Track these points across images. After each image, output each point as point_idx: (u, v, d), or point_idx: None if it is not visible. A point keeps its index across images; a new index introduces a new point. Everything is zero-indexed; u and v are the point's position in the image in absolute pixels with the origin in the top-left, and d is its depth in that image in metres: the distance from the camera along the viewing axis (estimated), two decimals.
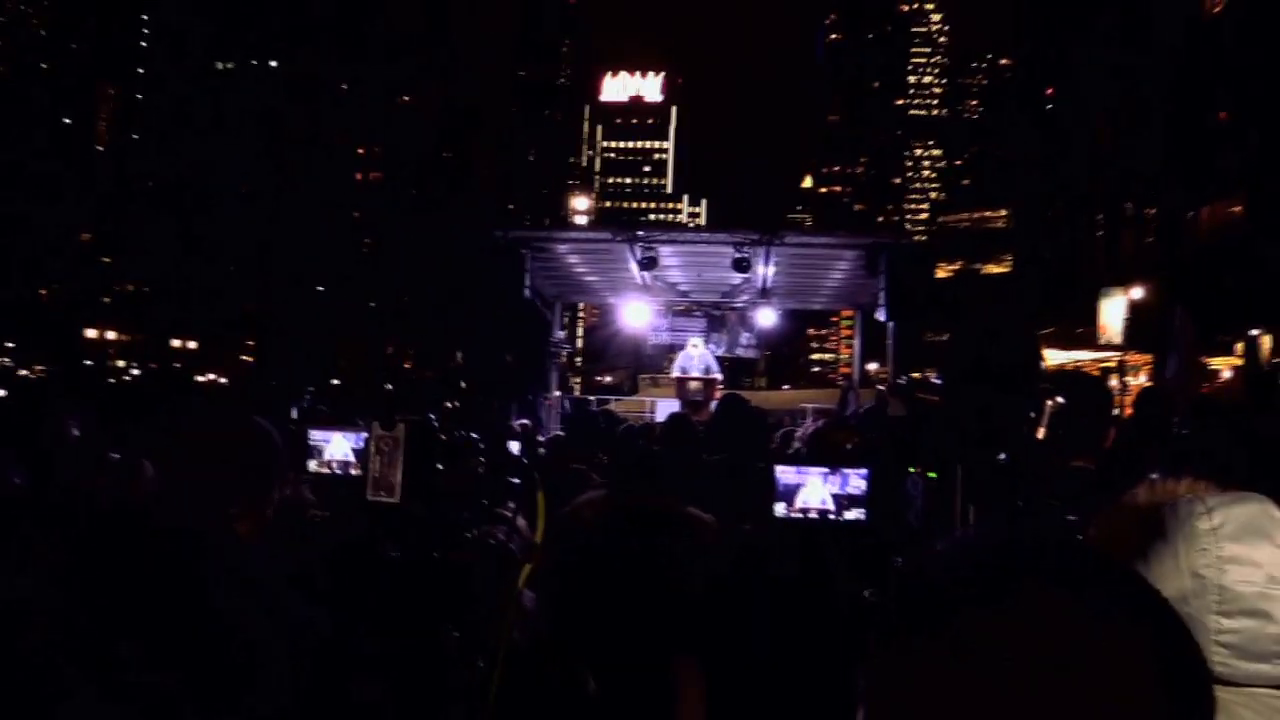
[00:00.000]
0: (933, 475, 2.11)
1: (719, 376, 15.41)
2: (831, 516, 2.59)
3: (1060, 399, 2.70)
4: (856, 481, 2.59)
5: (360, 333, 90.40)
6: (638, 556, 2.63)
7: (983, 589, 0.62)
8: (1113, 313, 30.81)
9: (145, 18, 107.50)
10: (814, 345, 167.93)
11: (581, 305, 42.65)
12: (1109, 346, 30.50)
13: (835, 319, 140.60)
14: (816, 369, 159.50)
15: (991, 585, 0.63)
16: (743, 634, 2.29)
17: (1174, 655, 0.61)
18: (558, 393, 16.94)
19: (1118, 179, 37.78)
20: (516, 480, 1.89)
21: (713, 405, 11.13)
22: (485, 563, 1.82)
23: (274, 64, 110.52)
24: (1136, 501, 1.49)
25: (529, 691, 1.94)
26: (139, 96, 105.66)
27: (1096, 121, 40.22)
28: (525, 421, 10.65)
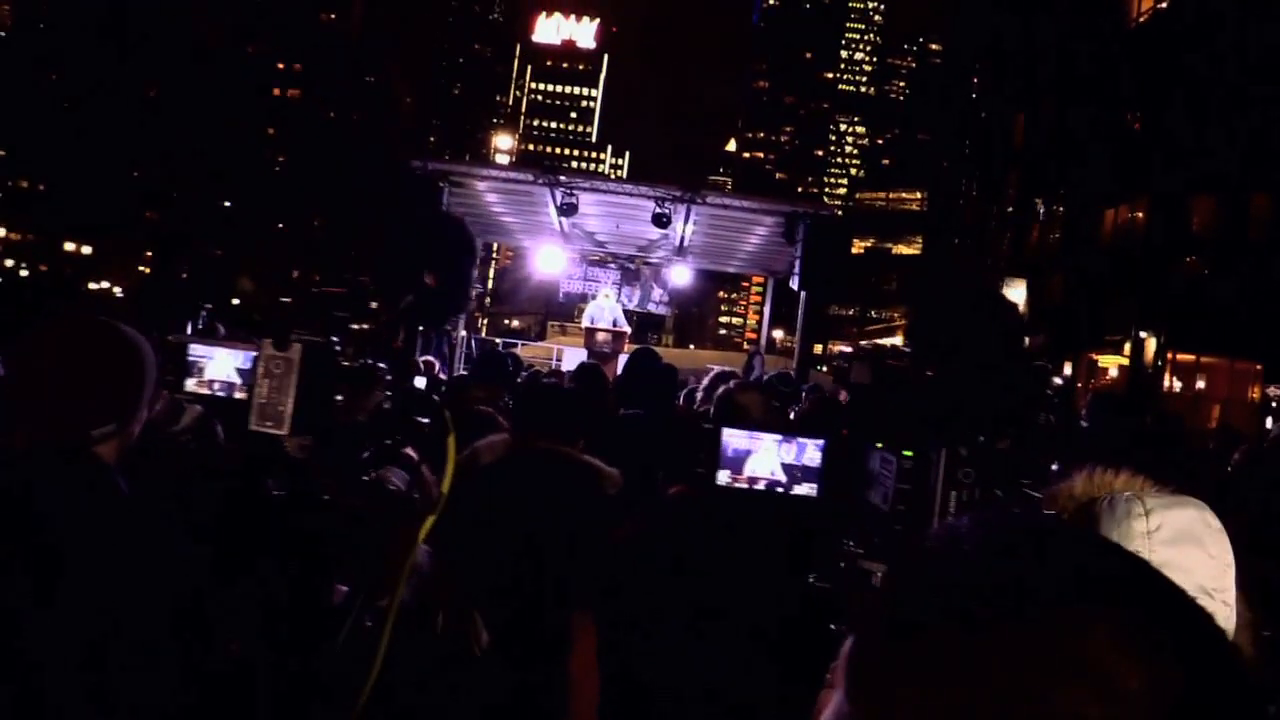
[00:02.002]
0: (908, 454, 2.01)
1: (627, 330, 15.38)
2: (780, 489, 2.42)
3: (1058, 380, 2.66)
4: (812, 452, 2.41)
5: (266, 252, 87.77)
6: (534, 503, 2.56)
7: (1036, 607, 0.55)
8: (1014, 301, 31.73)
9: None
10: (724, 308, 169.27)
11: (496, 246, 42.15)
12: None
13: (746, 284, 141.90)
14: (724, 332, 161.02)
15: (1046, 602, 0.55)
16: (655, 596, 2.23)
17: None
18: (464, 332, 16.70)
19: (1030, 176, 38.73)
20: (425, 420, 1.71)
21: (621, 359, 11.08)
22: (382, 510, 1.67)
23: None
24: (1073, 490, 1.47)
25: (416, 646, 1.84)
26: None
27: (1015, 114, 41.08)
28: (430, 359, 10.45)
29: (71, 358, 1.68)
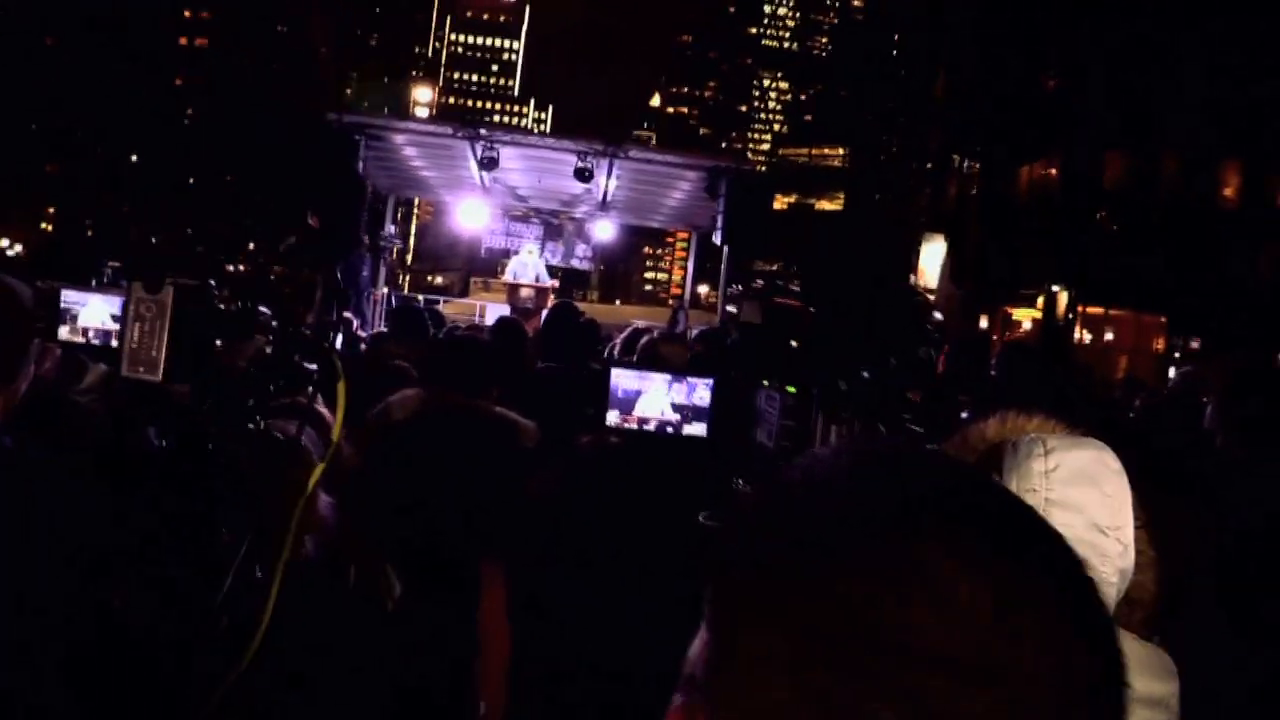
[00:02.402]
0: (791, 390, 2.03)
1: (550, 285, 15.29)
2: (670, 430, 2.42)
3: (939, 316, 2.70)
4: (702, 392, 2.41)
5: (173, 207, 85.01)
6: (447, 458, 2.52)
7: (878, 526, 0.56)
8: (931, 258, 32.31)
9: None
10: (649, 264, 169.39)
11: (417, 201, 41.51)
12: (926, 290, 32.00)
13: (671, 239, 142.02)
14: (649, 287, 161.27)
15: (889, 522, 0.56)
16: (563, 545, 2.21)
17: (1094, 633, 0.57)
18: (385, 289, 16.43)
19: (949, 132, 39.28)
20: (312, 366, 1.64)
21: (544, 314, 11.02)
22: (269, 458, 1.61)
23: None
24: (985, 434, 1.49)
25: (323, 599, 1.80)
26: None
27: (934, 71, 41.55)
28: (348, 315, 10.25)
29: None
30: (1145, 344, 29.23)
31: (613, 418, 2.40)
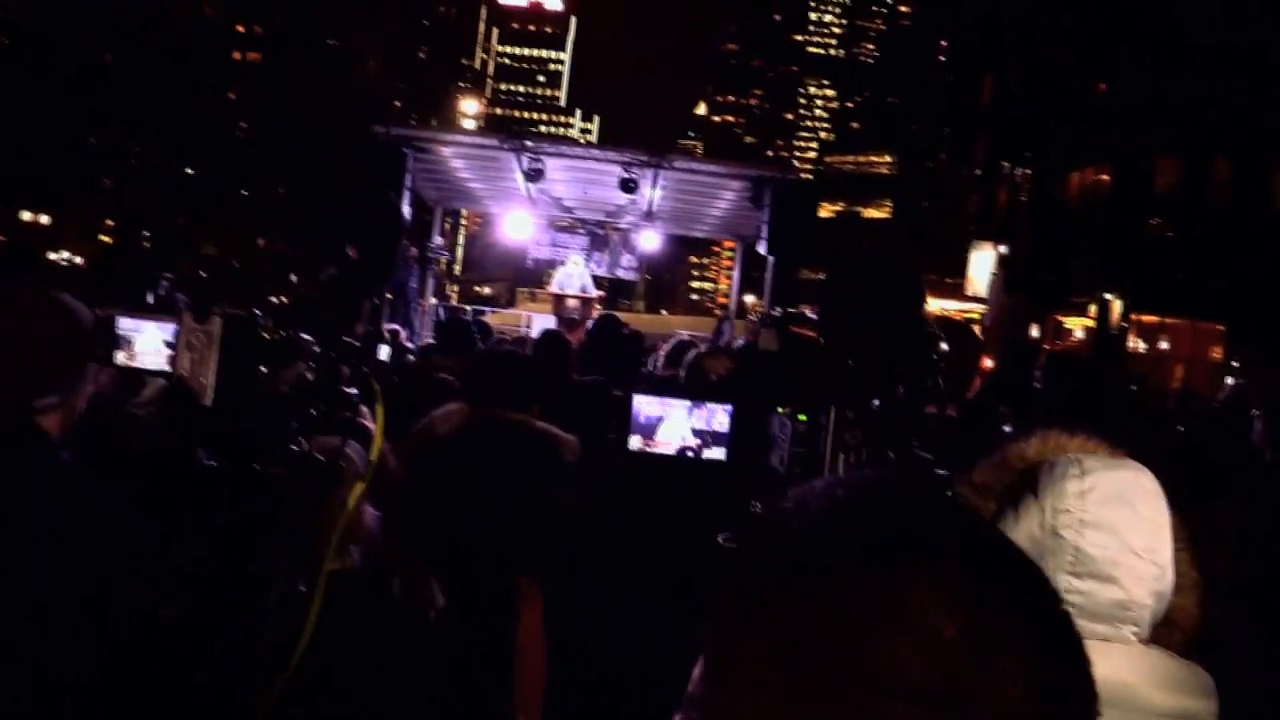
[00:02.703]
0: (803, 418, 2.07)
1: (596, 295, 15.36)
2: (691, 454, 2.47)
3: (945, 346, 2.71)
4: (721, 418, 2.46)
5: (230, 220, 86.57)
6: (489, 471, 2.55)
7: (864, 562, 0.59)
8: (981, 266, 31.94)
9: None
10: (695, 273, 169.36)
11: (464, 212, 41.85)
12: (975, 298, 31.66)
13: (718, 248, 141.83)
14: (695, 297, 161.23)
15: (875, 558, 0.58)
16: (590, 562, 2.24)
17: (1061, 660, 0.59)
18: (433, 300, 16.61)
19: (998, 138, 38.86)
20: (354, 390, 1.71)
21: (589, 324, 11.07)
22: (310, 477, 1.67)
23: None
24: (1025, 453, 1.49)
25: (367, 609, 1.84)
26: None
27: (983, 78, 41.15)
28: (395, 327, 10.39)
29: (10, 330, 1.65)
30: (1202, 353, 28.62)
31: (635, 442, 2.44)
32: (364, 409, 1.81)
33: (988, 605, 0.57)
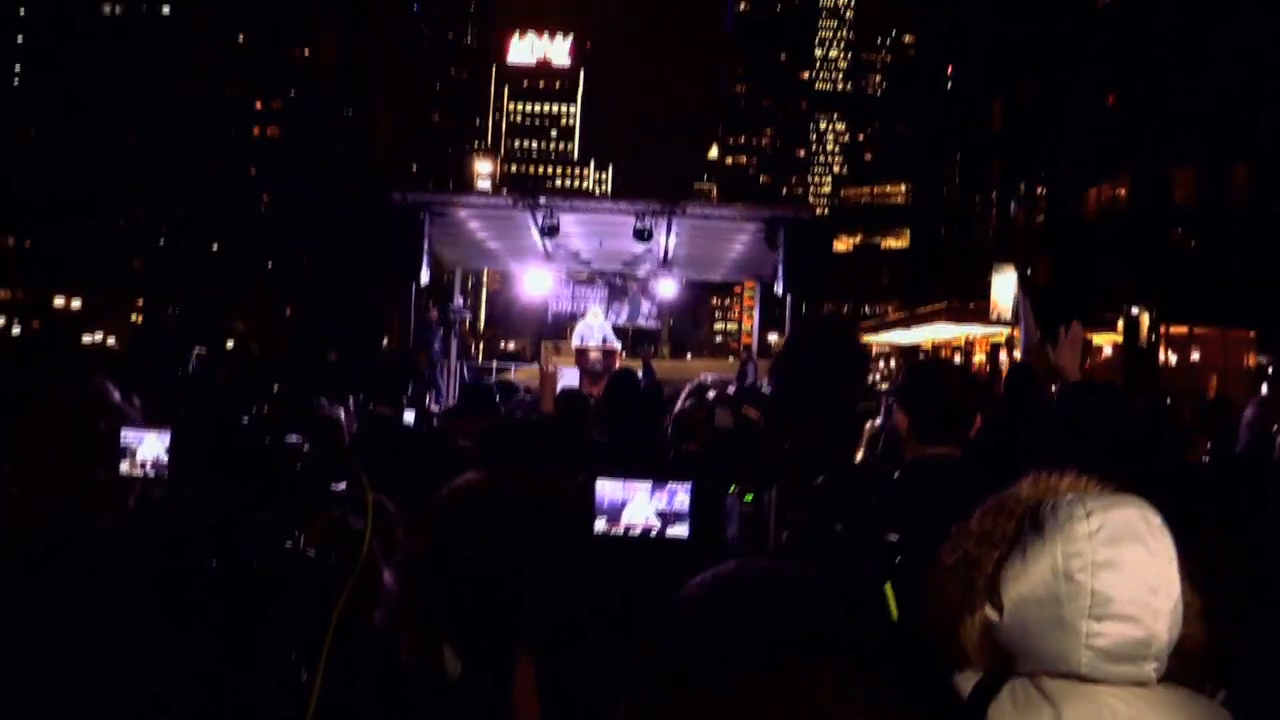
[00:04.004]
0: (749, 498, 2.10)
1: (618, 346, 15.42)
2: (653, 535, 2.52)
3: (877, 421, 2.72)
4: (681, 496, 2.51)
5: (257, 294, 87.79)
6: (504, 537, 2.58)
7: (771, 661, 0.61)
8: (1003, 288, 31.75)
9: None
10: (717, 315, 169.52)
11: (485, 271, 42.16)
12: (999, 321, 31.46)
13: (738, 289, 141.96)
14: (720, 339, 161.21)
15: (753, 661, 0.61)
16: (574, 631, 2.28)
17: None
18: (457, 360, 16.74)
19: (1011, 160, 38.87)
20: (342, 486, 1.76)
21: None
22: (303, 574, 1.71)
23: (166, 11, 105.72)
24: (1019, 495, 1.50)
25: (381, 671, 1.87)
26: (18, 39, 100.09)
27: (991, 100, 41.24)
28: (420, 391, 10.49)
29: (54, 418, 1.73)
30: (1235, 361, 28.24)
31: (600, 524, 2.49)
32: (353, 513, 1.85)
33: (876, 689, 0.60)
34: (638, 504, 2.48)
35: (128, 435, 2.02)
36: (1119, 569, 1.33)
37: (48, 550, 1.60)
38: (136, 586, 1.62)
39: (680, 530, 2.49)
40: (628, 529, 2.48)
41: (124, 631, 1.57)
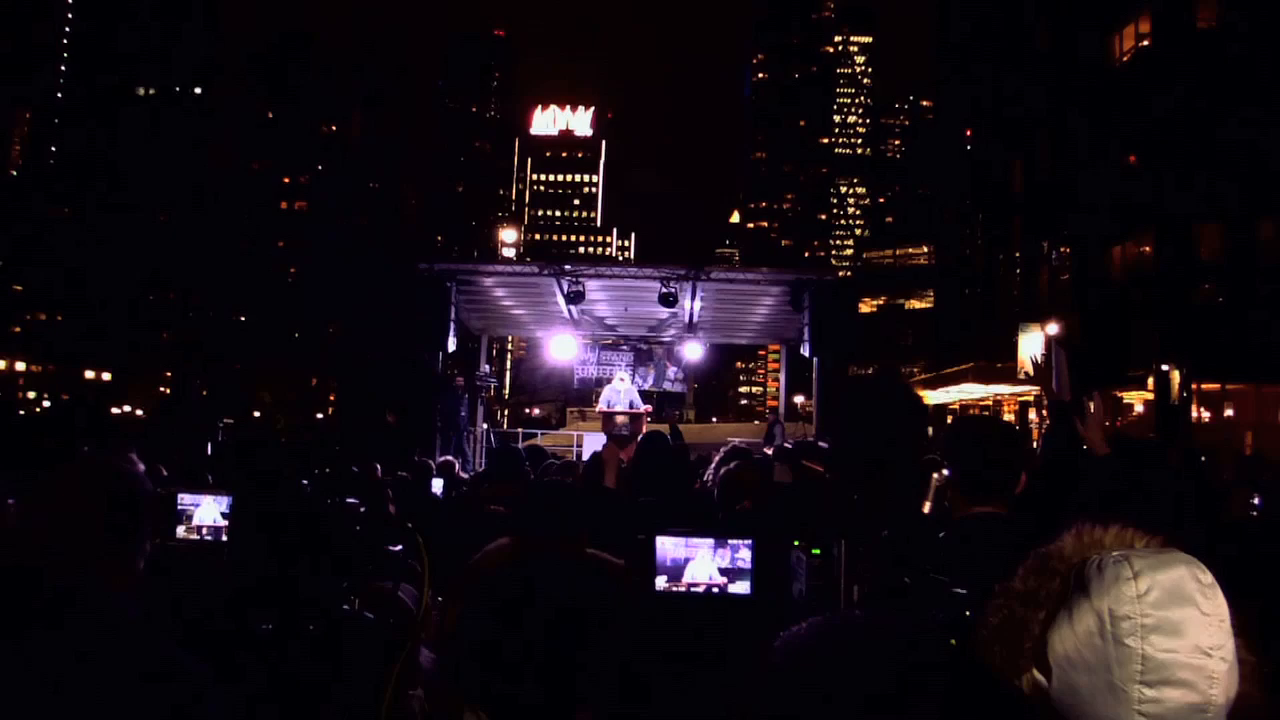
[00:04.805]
0: (816, 551, 2.08)
1: (644, 410, 15.40)
2: (716, 591, 2.50)
3: (945, 471, 2.67)
4: (743, 553, 2.50)
5: (284, 363, 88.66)
6: (536, 605, 2.54)
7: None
8: (1030, 347, 31.57)
9: (64, 40, 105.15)
10: (742, 378, 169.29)
11: (510, 337, 42.41)
12: (1027, 380, 31.22)
13: (763, 352, 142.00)
14: (745, 401, 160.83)
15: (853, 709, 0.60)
16: (635, 700, 2.22)
17: None
18: (484, 426, 16.75)
19: (1033, 220, 38.91)
20: (398, 546, 1.76)
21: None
22: (361, 637, 1.70)
23: (198, 91, 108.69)
24: (1063, 552, 1.44)
25: None
26: (55, 121, 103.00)
27: (1011, 160, 41.43)
28: (448, 458, 10.47)
29: (75, 492, 1.74)
30: (1270, 416, 27.83)
31: (661, 582, 2.48)
32: (411, 563, 1.84)
33: None
34: (700, 561, 2.46)
35: (184, 499, 2.03)
36: (1170, 632, 1.27)
37: (48, 607, 1.60)
38: (140, 648, 1.60)
39: (742, 587, 2.48)
40: (690, 586, 2.46)
41: (180, 681, 1.55)
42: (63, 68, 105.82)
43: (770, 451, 8.35)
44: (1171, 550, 1.37)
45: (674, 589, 2.46)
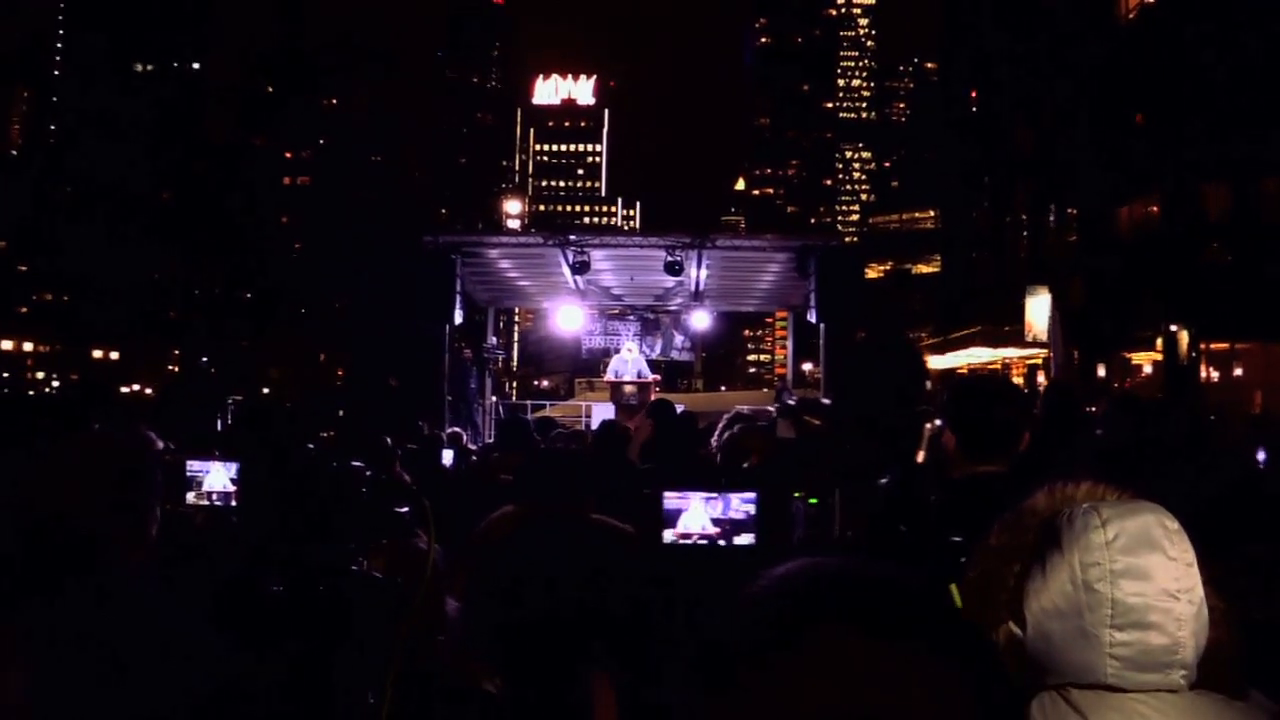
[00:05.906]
0: (814, 501, 2.13)
1: (652, 379, 15.44)
2: (721, 542, 2.53)
3: (938, 421, 2.71)
4: (740, 505, 2.53)
5: (292, 340, 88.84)
6: (543, 569, 2.60)
7: (775, 637, 0.68)
8: (1038, 310, 31.48)
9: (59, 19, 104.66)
10: (750, 346, 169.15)
11: (517, 309, 42.43)
12: (1035, 344, 31.16)
13: (770, 320, 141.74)
14: (753, 370, 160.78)
15: (784, 633, 0.68)
16: (652, 652, 2.27)
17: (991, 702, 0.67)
18: (493, 398, 16.82)
19: (1039, 182, 38.68)
20: (405, 509, 1.80)
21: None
22: (369, 596, 1.75)
23: (196, 66, 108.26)
24: (1036, 507, 1.49)
25: (440, 702, 1.89)
26: (54, 99, 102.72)
27: (1017, 122, 41.12)
28: (457, 430, 10.54)
29: (83, 458, 1.78)
30: (1278, 376, 27.76)
31: (667, 535, 2.53)
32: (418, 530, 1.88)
33: (904, 643, 0.67)
34: (693, 512, 2.51)
35: (193, 466, 2.07)
36: (1138, 576, 1.32)
37: (67, 576, 1.64)
38: (161, 617, 1.64)
39: (746, 538, 2.52)
40: (681, 537, 2.51)
41: (195, 647, 1.60)
42: (59, 45, 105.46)
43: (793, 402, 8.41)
44: (1139, 500, 1.41)
45: (680, 540, 2.52)
